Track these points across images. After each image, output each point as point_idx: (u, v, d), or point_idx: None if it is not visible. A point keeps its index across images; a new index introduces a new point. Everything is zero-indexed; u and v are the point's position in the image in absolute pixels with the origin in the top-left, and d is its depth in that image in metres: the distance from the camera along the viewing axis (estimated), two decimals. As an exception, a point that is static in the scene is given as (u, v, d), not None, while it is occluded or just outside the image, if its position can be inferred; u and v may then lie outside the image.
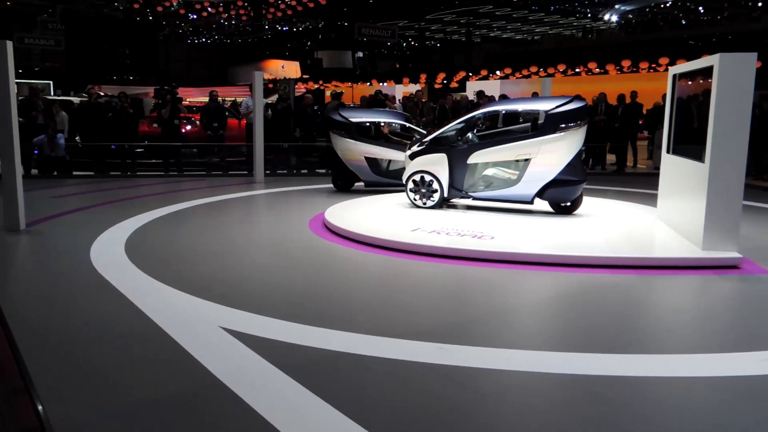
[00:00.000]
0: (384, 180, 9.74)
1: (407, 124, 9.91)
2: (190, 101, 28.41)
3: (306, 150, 13.23)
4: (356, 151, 9.64)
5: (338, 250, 6.22)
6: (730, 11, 36.50)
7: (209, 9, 31.16)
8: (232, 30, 43.00)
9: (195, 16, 33.80)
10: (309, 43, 49.06)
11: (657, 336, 4.03)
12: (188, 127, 14.47)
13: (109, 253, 5.91)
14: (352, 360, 3.48)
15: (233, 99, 27.45)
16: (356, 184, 10.13)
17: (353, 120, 9.64)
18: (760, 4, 34.30)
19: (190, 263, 5.67)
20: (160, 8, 30.48)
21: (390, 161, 9.81)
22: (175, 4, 30.60)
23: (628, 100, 13.39)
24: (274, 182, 11.44)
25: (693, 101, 6.60)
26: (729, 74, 5.28)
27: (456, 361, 3.47)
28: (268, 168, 12.21)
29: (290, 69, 44.05)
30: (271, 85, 29.27)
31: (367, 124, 10.00)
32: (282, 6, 31.41)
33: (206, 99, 13.34)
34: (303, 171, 13.03)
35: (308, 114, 13.05)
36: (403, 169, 8.73)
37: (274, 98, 13.29)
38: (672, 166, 6.82)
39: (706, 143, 5.50)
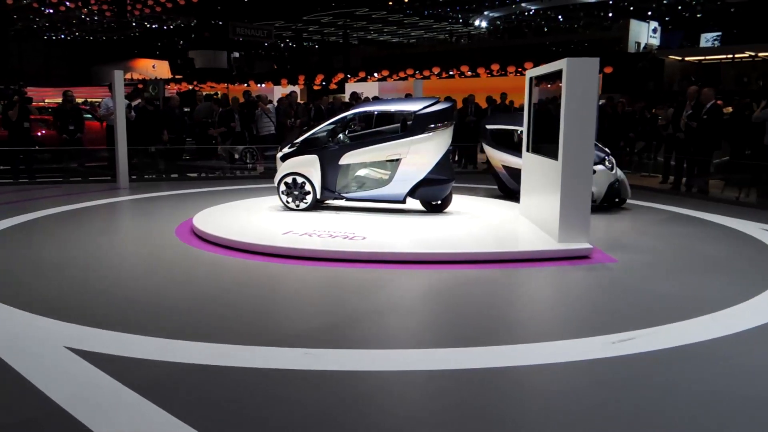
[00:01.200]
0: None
1: None
2: (47, 102, 26.19)
3: (175, 153, 12.61)
4: (495, 158, 9.34)
5: (206, 257, 5.95)
6: (585, 20, 39.72)
7: (67, 3, 28.93)
8: (96, 26, 40.27)
9: (51, 11, 31.28)
10: (181, 42, 47.08)
11: (517, 326, 4.21)
12: (43, 131, 13.31)
13: (-62, 271, 5.25)
14: (213, 373, 3.31)
15: (100, 100, 25.62)
16: None
17: (488, 127, 9.34)
18: (610, 14, 37.55)
19: (35, 279, 5.16)
20: (9, 1, 27.90)
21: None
22: (27, -4, 28.15)
23: (498, 101, 14.04)
24: (140, 188, 10.78)
25: (550, 102, 7.03)
26: (575, 77, 5.66)
27: (324, 365, 3.41)
28: (133, 173, 11.49)
29: (161, 69, 42.04)
30: (141, 86, 27.76)
31: (502, 131, 9.41)
32: (150, 2, 29.85)
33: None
34: (173, 175, 12.40)
35: (176, 115, 12.45)
36: None
37: (138, 101, 12.48)
38: (531, 164, 7.21)
39: (558, 142, 5.86)
